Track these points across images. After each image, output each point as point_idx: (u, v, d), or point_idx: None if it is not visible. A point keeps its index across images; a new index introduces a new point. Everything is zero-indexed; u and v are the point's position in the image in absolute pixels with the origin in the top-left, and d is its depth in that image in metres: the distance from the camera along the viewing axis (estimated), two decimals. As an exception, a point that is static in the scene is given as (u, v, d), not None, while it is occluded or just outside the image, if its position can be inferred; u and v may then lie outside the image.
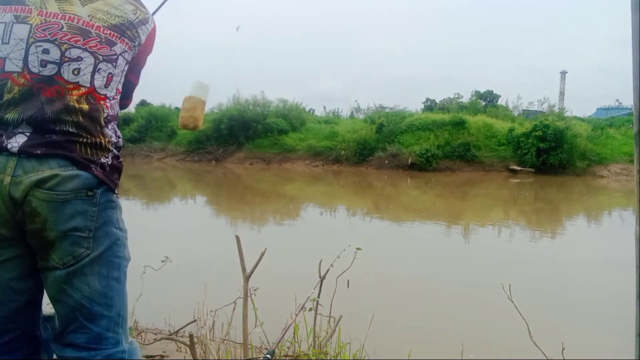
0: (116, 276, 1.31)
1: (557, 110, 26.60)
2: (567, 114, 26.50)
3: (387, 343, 3.24)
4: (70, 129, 1.24)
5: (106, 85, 1.30)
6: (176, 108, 29.82)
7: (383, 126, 21.94)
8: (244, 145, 23.41)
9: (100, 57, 1.28)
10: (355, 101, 60.62)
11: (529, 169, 19.85)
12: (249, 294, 2.46)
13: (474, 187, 16.61)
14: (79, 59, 1.25)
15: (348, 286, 2.92)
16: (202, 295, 3.04)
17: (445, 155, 20.63)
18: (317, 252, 2.93)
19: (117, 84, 1.34)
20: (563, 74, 46.24)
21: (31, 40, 1.22)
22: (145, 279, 2.98)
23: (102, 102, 1.29)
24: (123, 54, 1.33)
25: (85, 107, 1.26)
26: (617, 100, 39.75)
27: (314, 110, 30.28)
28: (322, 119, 27.51)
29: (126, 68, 1.36)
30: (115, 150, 1.33)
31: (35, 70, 1.22)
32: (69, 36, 1.25)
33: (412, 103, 65.45)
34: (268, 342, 2.68)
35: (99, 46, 1.27)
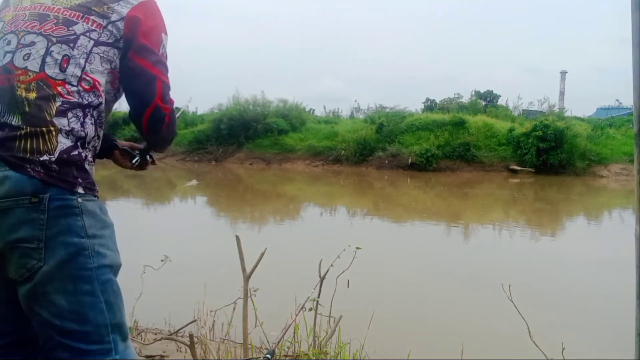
0: (87, 290, 1.16)
1: (557, 110, 26.60)
2: (567, 114, 26.52)
3: (387, 343, 3.24)
4: (13, 122, 1.14)
5: (62, 69, 1.17)
6: (176, 108, 29.73)
7: (383, 126, 21.93)
8: (244, 145, 23.40)
9: (54, 39, 1.19)
10: (355, 101, 60.50)
11: (529, 169, 19.84)
12: (249, 294, 2.46)
13: (474, 187, 16.61)
14: (31, 44, 1.19)
15: (348, 286, 2.92)
16: (202, 295, 3.03)
17: (445, 155, 20.63)
18: (317, 252, 2.93)
19: (79, 67, 1.19)
20: (563, 74, 46.24)
21: (0, 35, 1.24)
22: (145, 278, 2.98)
23: (58, 87, 1.16)
24: (87, 34, 1.20)
25: (32, 95, 1.15)
26: (617, 100, 39.77)
27: (314, 110, 30.30)
28: (322, 119, 27.50)
29: (96, 49, 1.21)
30: (70, 142, 1.17)
31: None
32: (27, 23, 1.22)
33: (412, 103, 65.46)
34: (268, 342, 2.68)
35: (54, 28, 1.20)
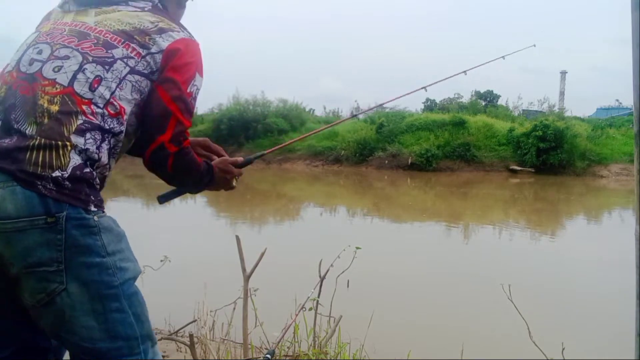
0: (115, 307, 1.13)
1: (557, 110, 26.62)
2: (567, 114, 26.53)
3: (387, 343, 3.24)
4: (28, 131, 1.07)
5: (91, 89, 1.13)
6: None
7: (383, 126, 21.93)
8: (244, 146, 23.39)
9: (90, 58, 1.16)
10: (355, 101, 60.45)
11: (529, 169, 19.84)
12: (249, 294, 2.46)
13: (474, 187, 16.61)
14: (65, 57, 1.16)
15: (348, 286, 2.92)
16: (202, 295, 3.04)
17: (445, 155, 20.63)
18: (317, 252, 2.93)
19: (109, 90, 1.15)
20: (563, 74, 46.21)
21: (32, 43, 1.22)
22: (145, 278, 2.98)
23: (83, 106, 1.12)
24: (125, 60, 1.18)
25: (55, 107, 1.10)
26: (617, 100, 39.76)
27: (314, 110, 30.30)
28: (322, 119, 27.49)
29: (130, 76, 1.18)
30: (82, 159, 1.11)
31: (23, 68, 1.17)
32: (65, 38, 1.20)
33: (412, 103, 65.56)
34: (268, 342, 2.68)
35: (93, 47, 1.17)
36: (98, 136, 1.13)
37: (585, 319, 4.39)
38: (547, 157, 19.58)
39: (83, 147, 1.10)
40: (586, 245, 8.02)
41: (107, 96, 1.15)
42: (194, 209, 11.45)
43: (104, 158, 1.16)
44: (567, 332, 3.83)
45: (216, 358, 2.60)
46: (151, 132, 1.22)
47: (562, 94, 44.32)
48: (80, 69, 1.14)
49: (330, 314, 2.75)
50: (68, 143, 1.08)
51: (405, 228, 9.30)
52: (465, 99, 30.11)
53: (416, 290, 5.10)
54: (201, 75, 1.28)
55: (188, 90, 1.24)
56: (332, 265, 2.68)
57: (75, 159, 1.09)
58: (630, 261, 1.14)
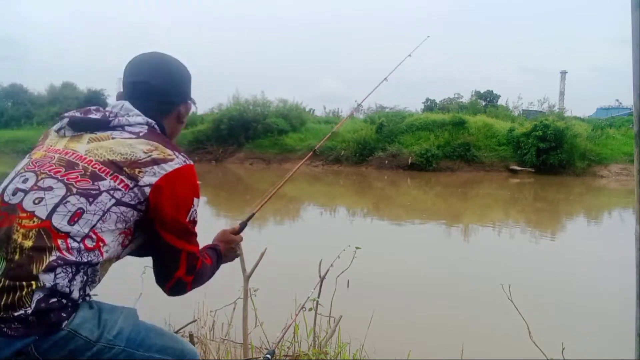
0: None
1: (557, 110, 26.65)
2: (567, 114, 26.56)
3: (387, 343, 3.24)
4: None
5: (70, 222, 1.10)
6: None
7: (383, 126, 21.94)
8: (244, 145, 23.41)
9: (74, 190, 1.13)
10: (355, 101, 60.53)
11: (529, 169, 19.85)
12: (249, 294, 2.46)
13: (474, 187, 16.61)
14: (48, 188, 1.13)
15: (348, 286, 2.92)
16: (202, 295, 3.03)
17: (445, 155, 20.63)
18: (317, 252, 2.93)
19: (89, 224, 1.12)
20: (563, 74, 46.24)
21: (21, 171, 1.20)
22: (145, 279, 2.98)
23: (58, 240, 1.08)
24: (112, 191, 1.14)
25: (28, 243, 1.07)
26: (617, 100, 39.75)
27: (314, 110, 30.32)
28: (322, 119, 27.51)
29: (115, 208, 1.15)
30: (48, 293, 1.06)
31: (7, 198, 1.14)
32: (53, 167, 1.17)
33: (412, 103, 65.51)
34: (268, 342, 2.68)
35: (79, 178, 1.14)
36: (71, 269, 1.10)
37: (585, 319, 4.39)
38: (547, 157, 19.59)
39: (52, 283, 1.07)
40: (586, 245, 8.02)
41: (86, 230, 1.12)
42: (194, 209, 11.44)
43: (76, 293, 1.11)
44: (567, 332, 3.83)
45: (216, 358, 2.60)
46: (167, 270, 1.25)
47: (562, 94, 44.37)
48: (63, 201, 1.12)
49: (330, 314, 2.75)
50: (34, 283, 1.05)
51: (405, 228, 9.30)
52: (465, 99, 30.19)
53: (416, 290, 5.10)
54: (198, 197, 1.28)
55: (188, 220, 1.25)
56: (332, 265, 2.68)
57: (40, 294, 1.06)
58: (630, 261, 1.14)
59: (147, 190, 1.17)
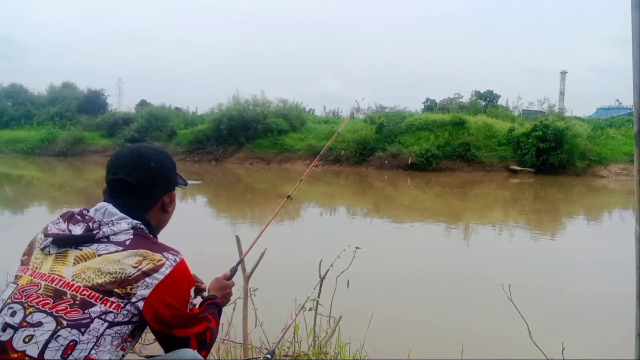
0: None
1: (557, 110, 26.63)
2: (567, 114, 26.55)
3: (387, 343, 3.24)
4: None
5: (64, 355, 1.09)
6: (176, 108, 29.85)
7: (383, 126, 21.94)
8: (244, 145, 23.42)
9: (65, 322, 1.11)
10: (355, 101, 60.63)
11: (529, 169, 19.86)
12: (249, 294, 2.46)
13: (474, 187, 16.61)
14: (38, 324, 1.11)
15: (348, 286, 2.92)
16: (202, 295, 3.03)
17: (445, 155, 20.64)
18: (317, 252, 2.93)
19: (86, 352, 1.12)
20: (563, 74, 46.26)
21: (8, 301, 1.17)
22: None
23: None
24: (103, 316, 1.14)
25: None
26: (617, 100, 39.78)
27: (314, 110, 30.33)
28: (322, 119, 27.52)
29: (109, 330, 1.15)
30: None
31: None
32: (40, 299, 1.15)
33: (412, 103, 65.63)
34: (268, 342, 2.68)
35: (68, 309, 1.13)
36: None
37: (585, 319, 4.39)
38: (547, 157, 19.59)
39: None
40: (586, 246, 8.02)
41: (82, 358, 1.12)
42: (194, 209, 11.45)
43: None
44: (567, 332, 3.83)
45: (216, 358, 2.60)
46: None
47: (562, 94, 44.40)
48: (54, 335, 1.10)
49: (330, 314, 2.75)
50: None
51: (405, 228, 9.30)
52: (465, 99, 30.20)
53: (416, 290, 5.10)
54: (193, 285, 1.32)
55: (190, 308, 1.29)
56: (332, 265, 2.68)
57: None
58: (630, 261, 1.14)
59: (141, 304, 1.18)
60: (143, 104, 32.22)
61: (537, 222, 10.46)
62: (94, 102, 30.61)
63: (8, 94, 32.90)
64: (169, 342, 1.28)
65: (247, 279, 2.40)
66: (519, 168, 20.00)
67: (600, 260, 6.71)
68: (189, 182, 1.60)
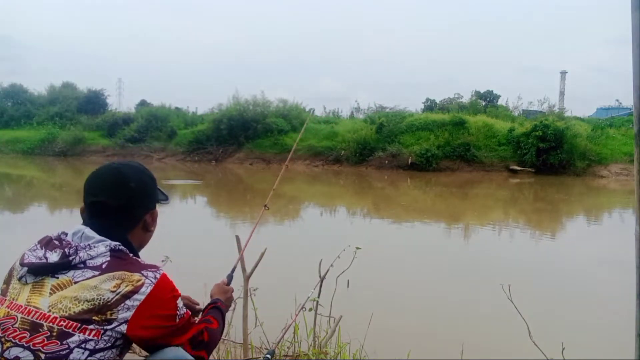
0: None
1: (557, 110, 26.63)
2: (567, 114, 26.55)
3: (387, 343, 3.24)
4: None
5: None
6: (176, 108, 29.86)
7: (383, 126, 21.95)
8: (244, 145, 23.42)
9: (42, 356, 1.10)
10: (355, 101, 60.77)
11: (529, 169, 19.86)
12: (249, 294, 2.46)
13: (474, 187, 16.61)
14: (15, 359, 1.10)
15: (348, 286, 2.92)
16: (202, 295, 3.03)
17: (445, 155, 20.64)
18: (317, 252, 2.93)
19: None
20: (563, 74, 46.25)
21: None
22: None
23: None
24: (83, 344, 1.12)
25: None
26: (617, 100, 39.76)
27: (314, 110, 30.33)
28: (322, 119, 27.53)
29: (91, 357, 1.13)
30: None
31: None
32: (17, 333, 1.13)
33: (412, 103, 65.68)
34: (268, 342, 2.68)
35: (45, 342, 1.11)
36: None
37: (585, 319, 4.39)
38: (547, 157, 19.59)
39: None
40: (586, 245, 8.02)
41: None
42: (194, 209, 11.45)
43: None
44: (567, 332, 3.83)
45: (216, 358, 2.60)
46: None
47: (562, 94, 44.39)
48: None
49: (330, 314, 2.75)
50: None
51: (405, 228, 9.30)
52: (465, 99, 30.18)
53: (416, 290, 5.10)
54: (179, 295, 1.32)
55: (178, 318, 1.28)
56: (332, 265, 2.68)
57: None
58: (630, 261, 1.14)
59: (124, 327, 1.16)
60: (143, 104, 32.23)
61: (537, 222, 10.46)
62: (94, 102, 30.61)
63: (8, 94, 32.90)
64: (159, 349, 1.28)
65: (247, 278, 2.41)
66: (519, 168, 20.00)
67: (600, 260, 6.71)
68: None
